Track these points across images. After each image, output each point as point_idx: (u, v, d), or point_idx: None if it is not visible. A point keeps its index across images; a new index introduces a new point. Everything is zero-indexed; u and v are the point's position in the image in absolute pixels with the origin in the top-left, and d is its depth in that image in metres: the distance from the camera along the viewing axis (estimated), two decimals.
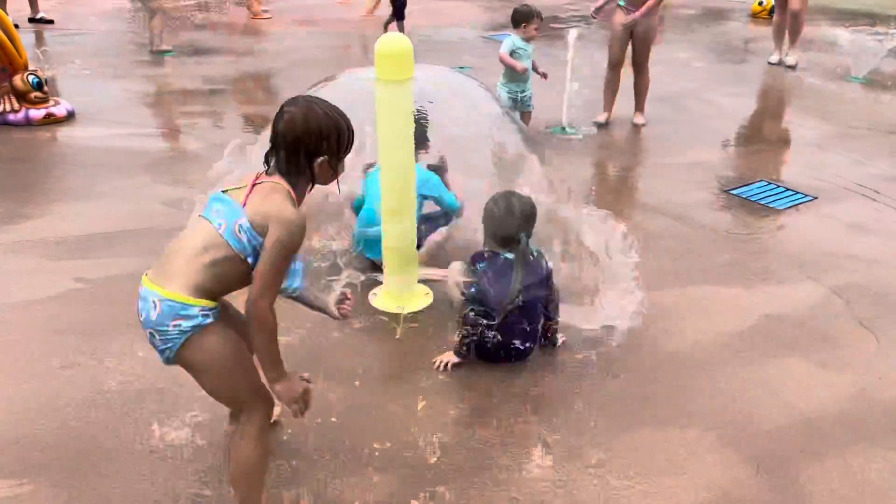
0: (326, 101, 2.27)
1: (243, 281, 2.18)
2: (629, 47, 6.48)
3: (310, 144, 2.20)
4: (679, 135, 6.52)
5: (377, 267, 3.83)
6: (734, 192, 5.30)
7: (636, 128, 6.57)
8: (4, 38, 6.21)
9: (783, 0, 8.60)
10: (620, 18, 6.33)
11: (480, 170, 3.37)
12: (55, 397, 3.02)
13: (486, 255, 3.19)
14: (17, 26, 6.89)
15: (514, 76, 5.82)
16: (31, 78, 6.33)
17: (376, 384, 3.15)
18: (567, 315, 3.44)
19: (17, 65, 6.33)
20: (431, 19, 11.08)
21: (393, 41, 3.26)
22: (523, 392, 3.12)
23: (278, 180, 2.21)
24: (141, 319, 2.19)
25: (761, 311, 3.77)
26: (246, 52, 9.40)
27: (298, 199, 2.25)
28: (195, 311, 2.12)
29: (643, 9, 6.22)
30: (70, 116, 6.44)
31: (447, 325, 3.48)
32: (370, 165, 3.96)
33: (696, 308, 3.79)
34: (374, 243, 3.82)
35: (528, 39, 5.79)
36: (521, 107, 5.94)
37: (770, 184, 5.44)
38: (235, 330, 2.25)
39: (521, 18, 5.78)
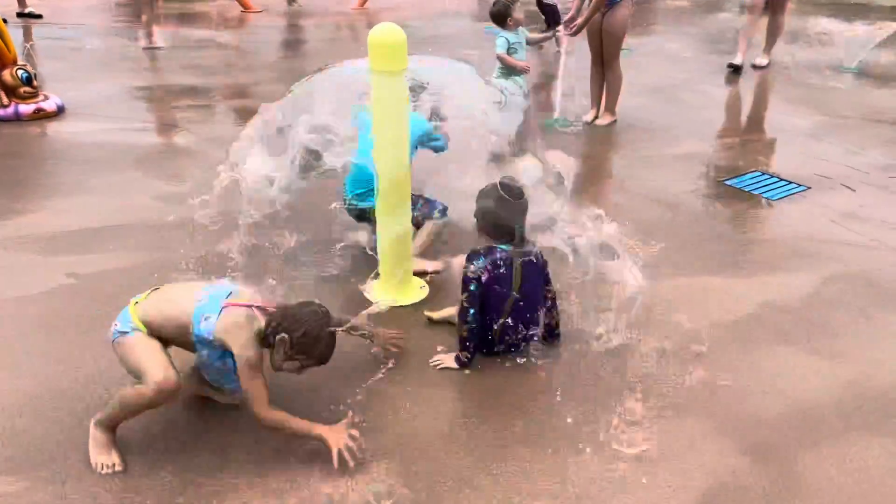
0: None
1: (182, 337, 2.62)
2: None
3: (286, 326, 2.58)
4: (672, 126, 6.52)
5: (366, 217, 3.77)
6: (728, 182, 5.31)
7: (611, 125, 6.42)
8: None
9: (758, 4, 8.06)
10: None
11: (479, 161, 3.34)
12: (48, 393, 2.99)
13: (482, 251, 3.13)
14: (5, 21, 6.82)
15: (511, 70, 5.82)
16: (20, 73, 6.27)
17: (377, 379, 3.13)
18: (563, 307, 3.43)
19: (6, 59, 6.27)
20: (422, 11, 11.04)
21: (386, 31, 3.23)
22: (519, 383, 3.11)
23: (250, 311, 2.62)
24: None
25: (757, 301, 3.77)
26: (237, 46, 9.35)
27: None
28: (130, 329, 2.62)
29: (585, 14, 6.04)
30: (60, 111, 6.39)
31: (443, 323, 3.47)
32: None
33: (692, 298, 3.79)
34: (364, 190, 3.74)
35: (516, 28, 5.77)
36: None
37: (764, 174, 5.44)
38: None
39: (502, 17, 5.74)
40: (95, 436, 2.67)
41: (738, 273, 4.06)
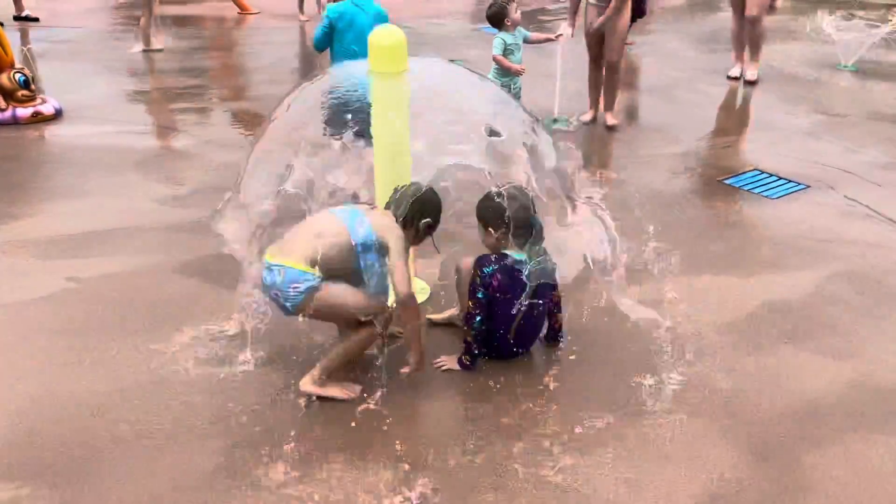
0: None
1: (346, 263, 2.82)
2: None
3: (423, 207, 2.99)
4: (670, 125, 6.51)
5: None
6: (727, 181, 5.30)
7: (613, 126, 6.39)
8: None
9: (738, 4, 7.68)
10: (592, 16, 6.09)
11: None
12: (50, 398, 2.98)
13: (493, 257, 3.08)
14: (1, 24, 6.80)
15: (507, 72, 5.82)
16: (17, 76, 6.25)
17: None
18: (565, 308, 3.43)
19: (4, 63, 6.25)
20: (419, 12, 11.03)
21: (386, 33, 3.22)
22: (524, 385, 3.10)
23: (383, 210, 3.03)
24: (266, 282, 2.83)
25: (759, 300, 3.77)
26: (234, 48, 9.34)
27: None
28: (309, 276, 2.76)
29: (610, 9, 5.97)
30: (58, 114, 6.37)
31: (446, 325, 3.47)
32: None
33: (693, 298, 3.79)
34: None
35: (514, 28, 5.76)
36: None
37: (762, 173, 5.44)
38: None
39: (498, 17, 5.72)
40: (320, 388, 2.91)
41: (738, 272, 4.05)
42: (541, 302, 3.14)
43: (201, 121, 6.59)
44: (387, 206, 3.06)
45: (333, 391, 2.95)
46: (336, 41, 4.80)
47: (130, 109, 6.81)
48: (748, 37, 7.59)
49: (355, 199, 3.27)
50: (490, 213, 3.08)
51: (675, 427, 2.90)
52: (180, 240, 4.16)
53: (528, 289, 3.02)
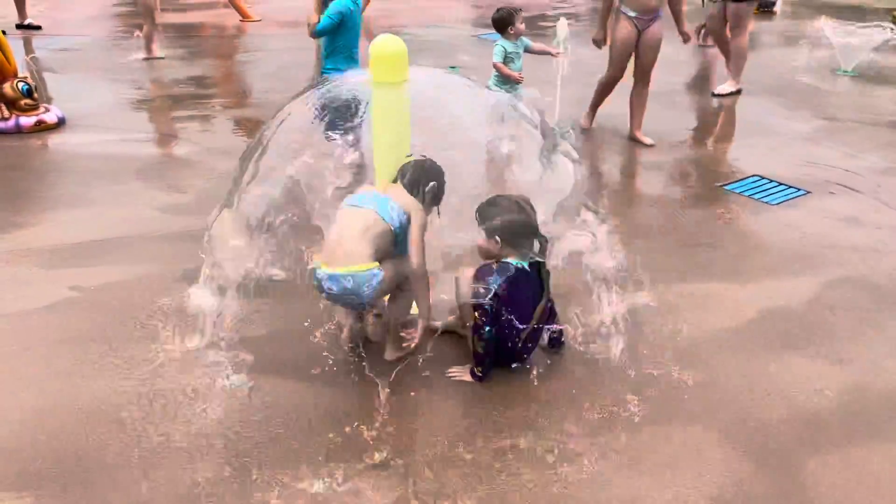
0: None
1: (390, 247, 3.03)
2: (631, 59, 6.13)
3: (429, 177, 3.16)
4: (671, 131, 6.52)
5: None
6: (728, 187, 5.32)
7: (621, 122, 6.42)
8: None
9: (717, 30, 7.58)
10: (626, 31, 5.87)
11: (484, 176, 3.37)
12: (53, 407, 2.99)
13: (495, 267, 3.07)
14: (4, 33, 6.83)
15: (506, 79, 5.85)
16: (20, 85, 6.28)
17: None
18: (563, 317, 3.44)
19: (7, 72, 6.28)
20: (417, 18, 11.07)
21: (387, 43, 3.24)
22: (522, 392, 3.11)
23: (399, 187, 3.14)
24: (334, 292, 2.98)
25: (759, 306, 3.77)
26: (236, 55, 9.37)
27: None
28: (375, 272, 2.94)
29: (683, 21, 5.98)
30: (61, 123, 6.39)
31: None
32: None
33: (694, 304, 3.80)
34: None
35: (516, 38, 5.80)
36: None
37: (763, 178, 5.46)
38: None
39: (503, 24, 5.77)
40: (401, 350, 3.24)
41: (739, 278, 4.06)
42: (549, 306, 3.18)
43: (203, 128, 6.61)
44: (394, 181, 3.20)
45: (405, 350, 3.27)
46: (340, 35, 5.36)
47: (132, 117, 6.84)
48: (732, 56, 7.49)
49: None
50: (496, 226, 3.09)
51: (675, 434, 2.91)
52: (183, 248, 4.17)
53: (544, 293, 3.11)
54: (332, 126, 3.38)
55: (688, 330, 3.56)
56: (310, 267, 3.09)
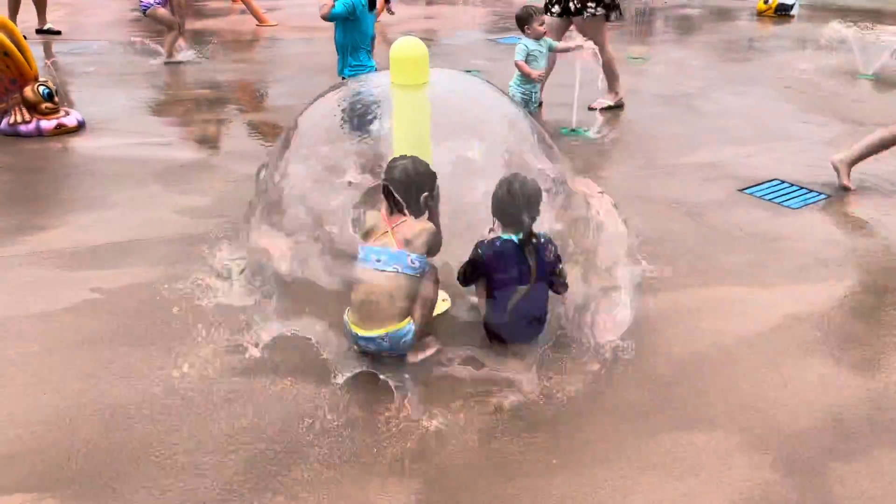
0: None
1: (417, 289, 3.16)
2: None
3: (419, 183, 3.18)
4: (688, 135, 6.49)
5: None
6: (747, 191, 5.27)
7: (640, 126, 6.43)
8: (14, 49, 6.21)
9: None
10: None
11: (498, 173, 3.36)
12: (74, 409, 2.99)
13: (486, 241, 3.28)
14: (24, 38, 6.89)
15: (529, 78, 5.87)
16: (41, 89, 6.33)
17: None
18: (575, 321, 3.44)
19: (28, 76, 6.33)
20: (434, 24, 11.08)
21: (408, 45, 3.24)
22: (534, 401, 3.08)
23: (403, 219, 3.18)
24: (371, 349, 3.16)
25: (782, 311, 3.73)
26: (253, 60, 9.41)
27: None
28: (408, 327, 3.12)
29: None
30: (81, 126, 6.43)
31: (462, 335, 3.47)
32: None
33: (715, 309, 3.75)
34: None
35: (538, 38, 5.81)
36: (530, 107, 6.01)
37: (783, 183, 5.40)
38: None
39: (521, 22, 5.86)
40: (422, 352, 3.26)
41: (760, 283, 4.02)
42: (539, 285, 3.26)
43: (221, 132, 6.64)
44: (385, 186, 3.21)
45: (427, 351, 3.31)
46: (353, 30, 5.84)
47: (151, 121, 6.88)
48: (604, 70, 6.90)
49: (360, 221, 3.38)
50: (492, 203, 3.29)
51: (698, 440, 2.87)
52: (202, 251, 4.18)
53: (532, 274, 3.20)
54: (357, 127, 3.43)
55: (710, 335, 3.52)
56: (346, 329, 3.20)
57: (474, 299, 3.63)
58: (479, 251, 3.30)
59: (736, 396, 3.11)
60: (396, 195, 3.17)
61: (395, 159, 3.25)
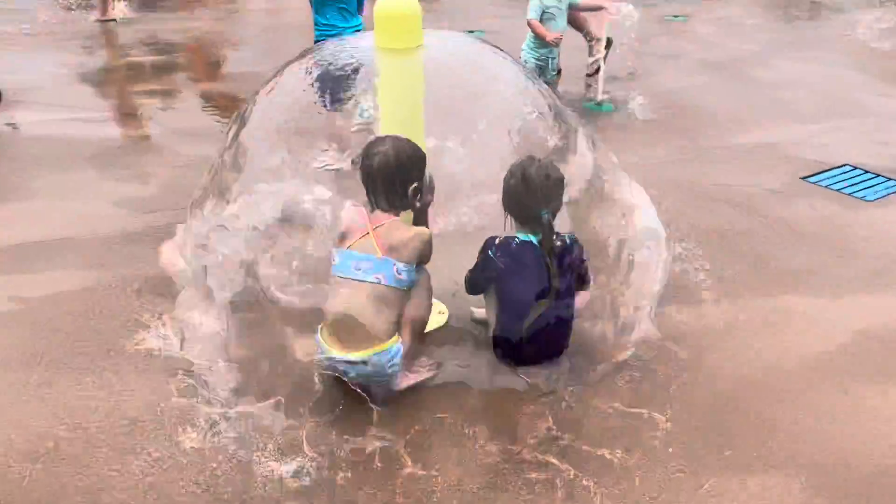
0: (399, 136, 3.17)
1: (405, 303, 3.15)
2: None
3: (404, 176, 3.13)
4: (739, 110, 6.50)
5: None
6: (811, 179, 5.28)
7: (681, 99, 6.44)
8: None
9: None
10: None
11: (506, 157, 3.37)
12: None
13: (497, 241, 3.27)
14: None
15: (544, 41, 5.88)
16: None
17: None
18: (598, 339, 3.49)
19: None
20: None
21: (397, 2, 3.23)
22: (553, 438, 3.08)
23: (389, 219, 3.14)
24: (351, 375, 3.11)
25: (852, 327, 3.73)
26: (208, 18, 9.40)
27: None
28: (395, 348, 3.09)
29: None
30: None
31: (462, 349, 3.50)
32: None
33: (771, 324, 3.76)
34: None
35: None
36: (547, 75, 6.02)
37: (855, 169, 5.41)
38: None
39: None
40: (412, 378, 3.26)
41: (826, 292, 4.02)
42: (562, 299, 3.26)
43: (169, 105, 6.64)
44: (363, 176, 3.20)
45: (419, 375, 3.30)
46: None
47: (84, 92, 6.87)
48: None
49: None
50: (503, 193, 3.30)
51: (752, 481, 2.87)
52: (144, 251, 4.18)
53: (552, 282, 3.19)
54: (333, 102, 3.43)
55: (765, 355, 3.52)
56: (318, 354, 3.17)
57: (479, 311, 3.64)
58: (491, 253, 3.28)
59: (796, 430, 3.11)
60: (377, 187, 3.15)
61: (374, 141, 3.19)
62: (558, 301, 3.25)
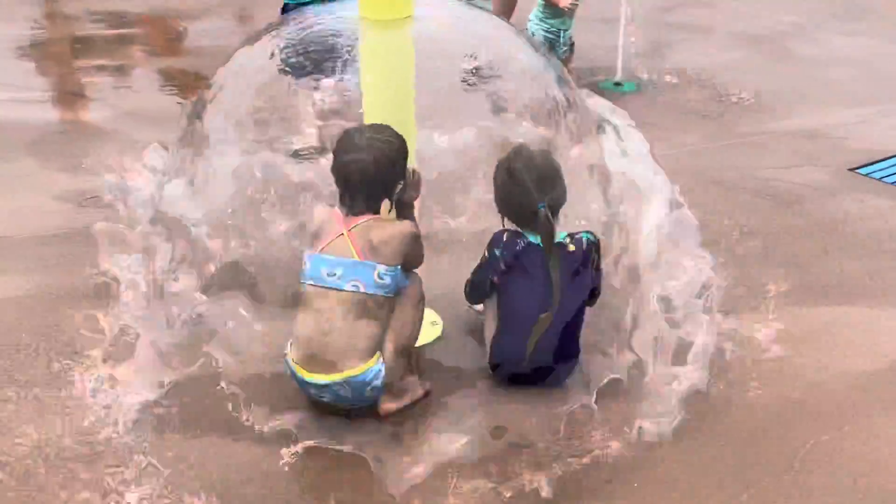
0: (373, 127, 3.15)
1: (389, 312, 3.13)
2: None
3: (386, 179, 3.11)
4: (781, 91, 6.50)
5: None
6: (862, 171, 5.29)
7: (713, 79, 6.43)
8: None
9: None
10: None
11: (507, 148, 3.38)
12: None
13: (505, 237, 3.28)
14: None
15: (556, 9, 5.88)
16: None
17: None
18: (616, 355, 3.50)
19: None
20: None
21: None
22: (568, 463, 3.09)
23: (366, 217, 3.11)
24: (326, 400, 3.14)
25: None
26: None
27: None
28: (375, 368, 3.06)
29: None
30: None
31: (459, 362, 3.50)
32: None
33: (818, 338, 3.77)
34: None
35: None
36: (558, 51, 6.02)
37: None
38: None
39: None
40: (399, 402, 3.23)
41: (878, 301, 4.04)
42: (570, 309, 3.27)
43: (121, 84, 6.64)
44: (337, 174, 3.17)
45: (409, 397, 3.30)
46: None
47: (20, 69, 6.86)
48: None
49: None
50: (495, 193, 3.34)
51: None
52: (91, 252, 4.17)
53: (553, 287, 3.19)
54: (299, 75, 3.42)
55: (809, 374, 3.53)
56: (288, 371, 3.18)
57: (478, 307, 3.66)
58: (497, 252, 3.27)
59: (847, 461, 3.12)
60: (354, 191, 3.10)
61: (348, 137, 3.14)
62: (562, 313, 3.25)
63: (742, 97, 6.39)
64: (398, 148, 3.12)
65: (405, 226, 3.16)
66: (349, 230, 3.09)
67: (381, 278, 3.05)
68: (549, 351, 3.28)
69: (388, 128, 3.14)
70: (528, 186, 3.21)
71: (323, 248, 3.11)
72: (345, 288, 3.04)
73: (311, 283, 3.10)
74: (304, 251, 3.21)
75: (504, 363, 3.35)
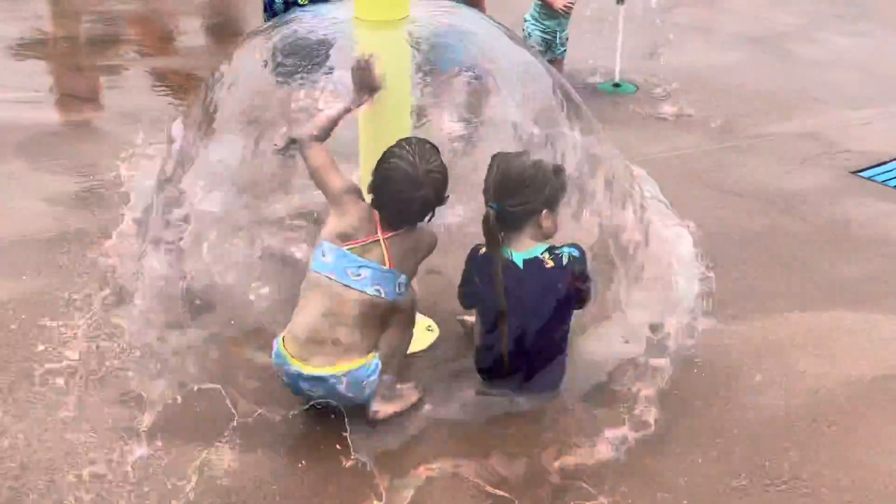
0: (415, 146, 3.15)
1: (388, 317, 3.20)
2: None
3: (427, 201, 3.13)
4: (782, 92, 6.51)
5: None
6: (864, 174, 5.29)
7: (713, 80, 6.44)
8: None
9: None
10: None
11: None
12: None
13: (475, 247, 3.38)
14: None
15: (552, 11, 5.88)
16: None
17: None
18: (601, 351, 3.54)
19: None
20: None
21: None
22: (556, 465, 3.10)
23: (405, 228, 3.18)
24: (318, 394, 3.12)
25: None
26: None
27: None
28: (373, 363, 3.12)
29: None
30: None
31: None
32: None
33: (818, 342, 3.77)
34: None
35: None
36: (554, 52, 6.04)
37: None
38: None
39: None
40: (390, 406, 3.24)
41: (882, 307, 4.03)
42: (546, 314, 3.28)
43: (114, 84, 6.63)
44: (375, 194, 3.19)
45: (403, 402, 3.31)
46: None
47: (12, 69, 6.85)
48: None
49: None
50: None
51: None
52: (84, 257, 4.17)
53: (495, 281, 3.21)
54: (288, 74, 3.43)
55: (809, 380, 3.53)
56: (276, 365, 3.17)
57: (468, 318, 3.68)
58: (467, 263, 3.39)
59: (845, 470, 3.11)
60: (392, 211, 3.13)
61: (399, 164, 3.09)
62: (529, 322, 3.27)
63: (742, 98, 6.39)
64: (447, 172, 3.18)
65: (432, 241, 3.27)
66: (386, 238, 3.13)
67: (400, 288, 3.15)
68: (522, 355, 3.31)
69: (430, 148, 3.16)
70: (487, 187, 3.27)
71: (352, 246, 3.11)
72: (367, 291, 3.08)
73: (329, 276, 3.10)
74: (321, 239, 3.17)
75: (484, 368, 3.41)
